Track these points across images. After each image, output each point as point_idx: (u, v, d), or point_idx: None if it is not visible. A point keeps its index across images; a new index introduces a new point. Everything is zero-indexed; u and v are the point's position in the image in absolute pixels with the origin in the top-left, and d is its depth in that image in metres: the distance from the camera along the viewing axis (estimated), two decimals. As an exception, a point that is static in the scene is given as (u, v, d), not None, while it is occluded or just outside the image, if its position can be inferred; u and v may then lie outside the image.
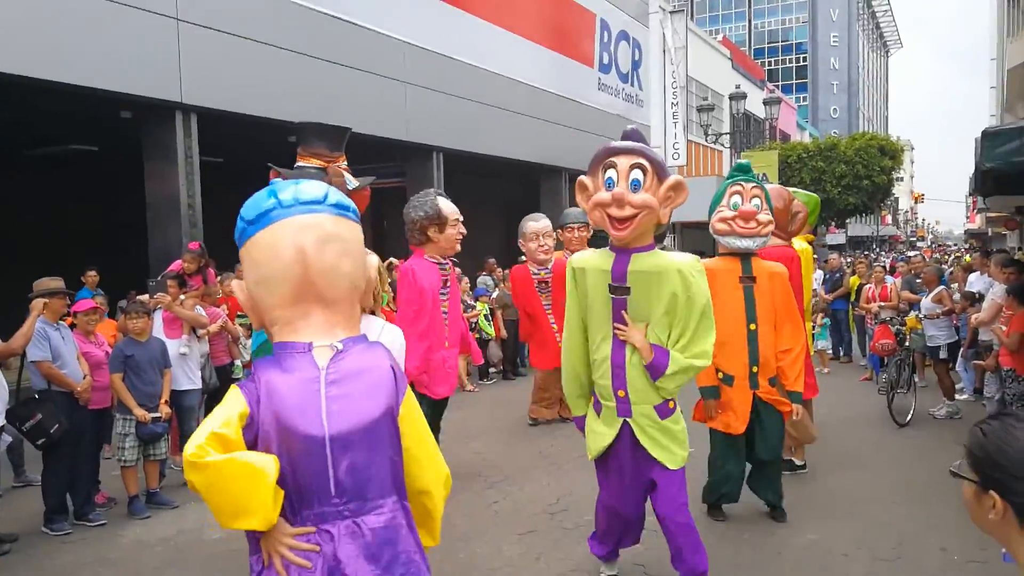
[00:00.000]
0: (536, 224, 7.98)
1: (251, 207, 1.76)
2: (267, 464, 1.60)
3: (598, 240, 5.97)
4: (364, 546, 1.70)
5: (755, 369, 4.51)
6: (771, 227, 4.68)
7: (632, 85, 20.50)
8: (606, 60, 18.88)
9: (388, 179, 14.20)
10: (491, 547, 4.64)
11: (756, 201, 4.59)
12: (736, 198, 4.61)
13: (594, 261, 3.54)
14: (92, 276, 8.80)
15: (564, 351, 3.74)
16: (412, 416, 1.84)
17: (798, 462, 5.97)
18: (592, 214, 3.43)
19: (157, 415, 5.48)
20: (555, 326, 7.68)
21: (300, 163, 3.86)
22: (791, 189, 6.95)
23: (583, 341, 3.65)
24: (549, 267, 7.95)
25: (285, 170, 3.77)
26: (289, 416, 1.67)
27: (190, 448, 1.60)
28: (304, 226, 1.75)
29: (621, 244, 3.41)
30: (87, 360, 5.43)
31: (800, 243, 6.24)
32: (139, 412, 5.38)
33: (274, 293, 1.71)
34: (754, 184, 4.67)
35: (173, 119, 8.66)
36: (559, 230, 8.13)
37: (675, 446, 3.52)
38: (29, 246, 11.60)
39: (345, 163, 4.04)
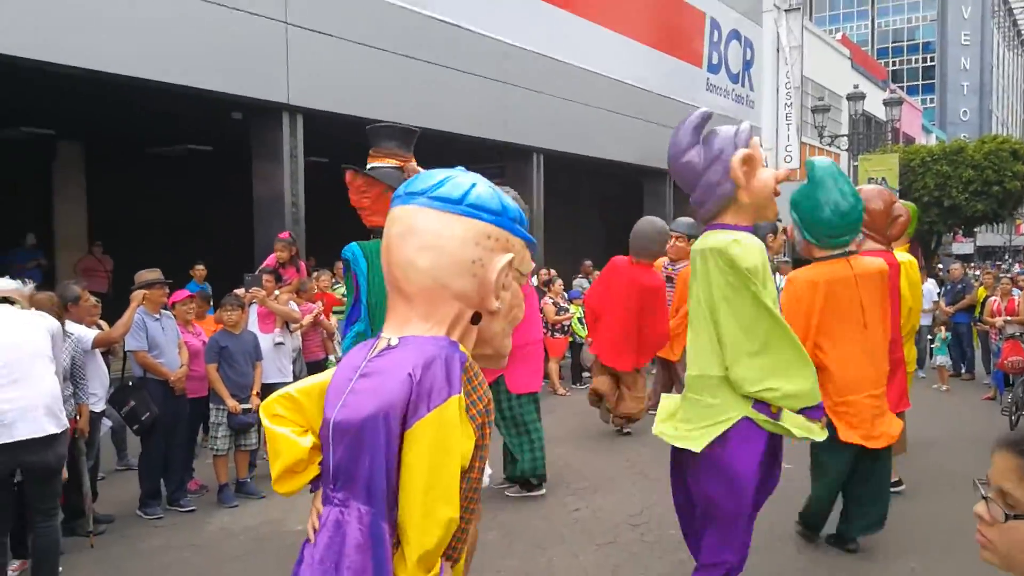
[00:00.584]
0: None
1: None
2: (303, 439, 1.76)
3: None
4: (328, 538, 1.67)
5: None
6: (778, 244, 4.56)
7: (743, 86, 19.90)
8: (715, 60, 18.38)
9: (488, 179, 14.28)
10: (568, 555, 4.54)
11: None
12: None
13: None
14: (200, 270, 9.17)
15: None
16: (422, 441, 1.60)
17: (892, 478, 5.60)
18: (768, 189, 3.45)
19: (248, 406, 5.64)
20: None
21: (374, 164, 3.85)
22: (905, 202, 6.62)
23: None
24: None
25: (361, 169, 3.80)
26: (326, 397, 1.74)
27: (267, 400, 1.83)
28: (395, 218, 1.78)
29: None
30: (187, 349, 5.64)
31: (904, 255, 5.95)
32: (231, 402, 5.55)
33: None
34: None
35: (280, 120, 8.93)
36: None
37: None
38: (146, 239, 12.23)
39: (415, 164, 4.06)
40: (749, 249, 3.27)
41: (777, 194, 3.46)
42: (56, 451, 3.88)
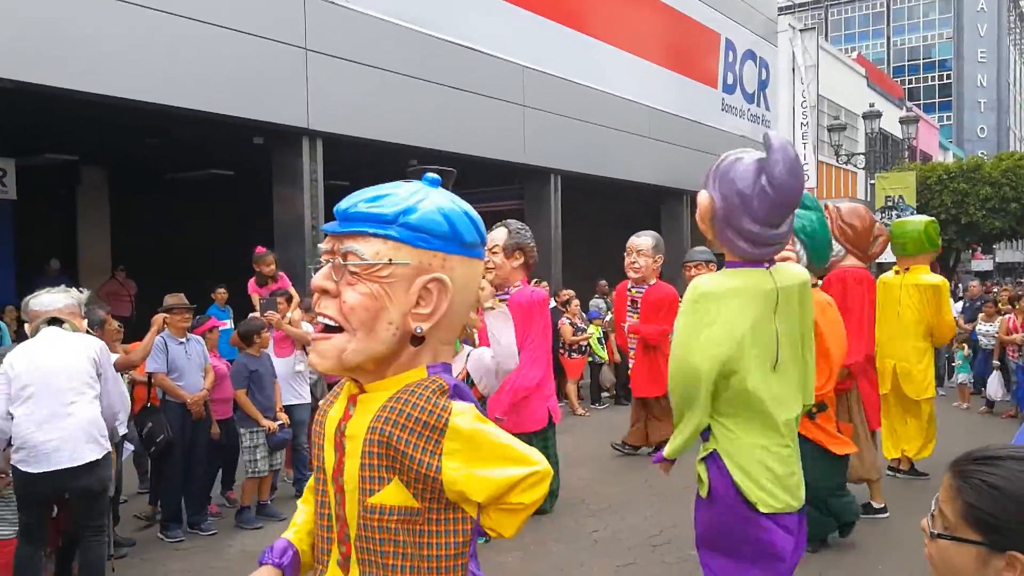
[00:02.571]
0: (634, 240, 7.77)
1: (481, 229, 1.60)
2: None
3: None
4: None
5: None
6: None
7: (758, 105, 19.94)
8: (731, 80, 18.45)
9: (506, 201, 14.38)
10: (588, 578, 4.54)
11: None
12: None
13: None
14: (221, 293, 9.27)
15: None
16: None
17: (876, 504, 5.59)
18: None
19: (279, 423, 5.73)
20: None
21: None
22: (920, 217, 6.76)
23: None
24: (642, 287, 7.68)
25: None
26: None
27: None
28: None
29: None
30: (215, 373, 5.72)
31: (933, 276, 6.14)
32: (266, 423, 5.63)
33: (462, 322, 1.68)
34: None
35: (300, 144, 9.05)
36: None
37: None
38: (169, 263, 12.38)
39: None
40: None
41: None
42: (98, 475, 3.98)
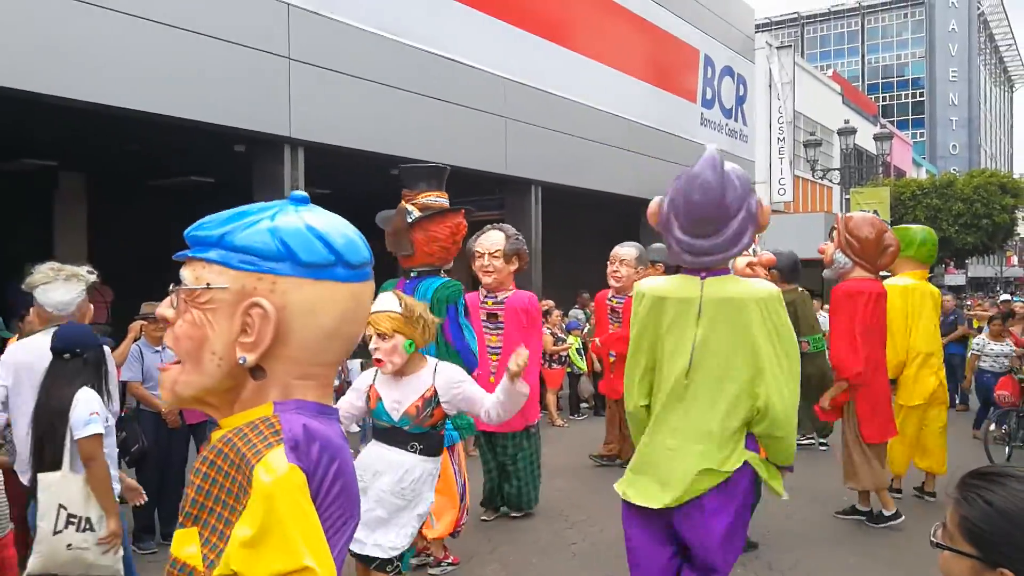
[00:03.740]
0: (618, 249, 7.80)
1: (352, 248, 1.41)
2: None
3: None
4: None
5: None
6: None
7: (736, 120, 20.18)
8: (709, 95, 18.67)
9: (487, 211, 14.42)
10: (569, 588, 4.56)
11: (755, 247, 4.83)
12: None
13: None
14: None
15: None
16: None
17: (887, 512, 5.67)
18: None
19: None
20: None
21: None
22: (909, 226, 6.78)
23: None
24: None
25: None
26: (355, 497, 1.38)
27: None
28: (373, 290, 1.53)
29: None
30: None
31: (922, 283, 6.21)
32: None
33: (338, 352, 1.42)
34: None
35: (282, 152, 9.04)
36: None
37: None
38: (148, 271, 12.28)
39: (431, 198, 4.47)
40: None
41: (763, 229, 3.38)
42: None
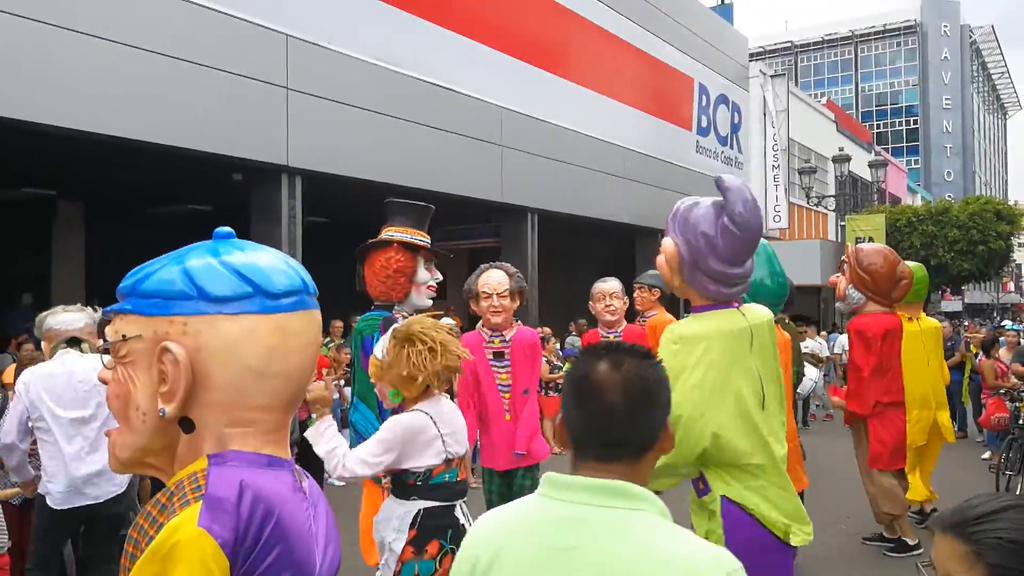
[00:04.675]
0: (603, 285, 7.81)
1: (272, 276, 1.29)
2: None
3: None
4: None
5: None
6: None
7: (731, 148, 20.35)
8: (704, 123, 18.84)
9: (484, 239, 14.49)
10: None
11: None
12: None
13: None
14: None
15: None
16: None
17: (910, 541, 5.64)
18: None
19: None
20: None
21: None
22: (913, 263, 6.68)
23: None
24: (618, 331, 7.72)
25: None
26: (303, 556, 1.23)
27: None
28: (319, 325, 1.40)
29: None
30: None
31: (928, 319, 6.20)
32: None
33: (275, 392, 1.28)
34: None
35: (279, 181, 9.10)
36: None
37: None
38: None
39: (390, 232, 4.65)
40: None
41: None
42: (126, 502, 4.02)
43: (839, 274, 5.79)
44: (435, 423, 3.05)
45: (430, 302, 4.62)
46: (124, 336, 1.25)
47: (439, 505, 3.03)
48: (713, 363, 2.88)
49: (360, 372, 4.42)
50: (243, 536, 1.13)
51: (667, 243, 3.03)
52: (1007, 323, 28.82)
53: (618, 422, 1.34)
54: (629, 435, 1.35)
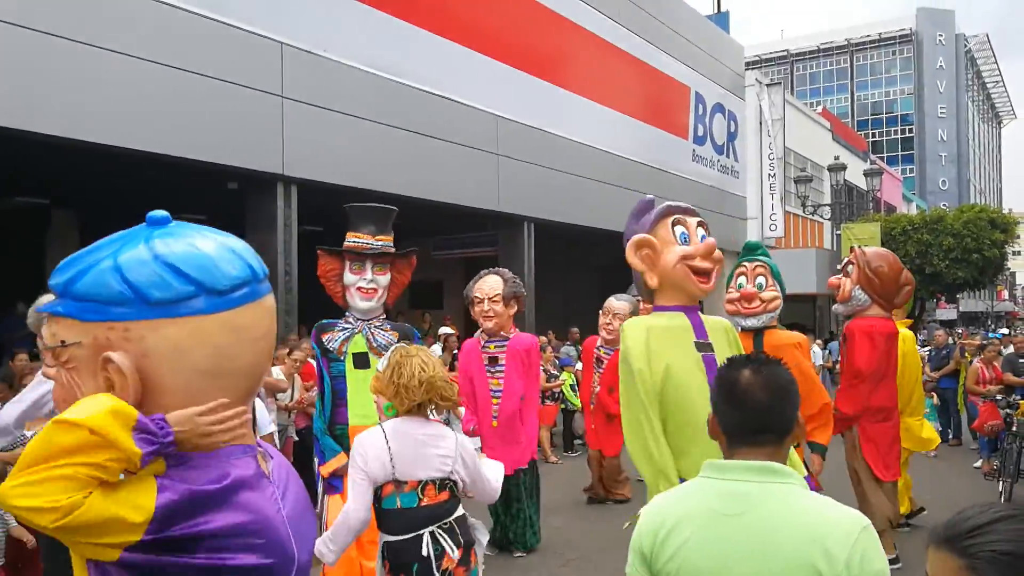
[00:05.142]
0: (613, 302, 7.89)
1: (214, 271, 1.24)
2: None
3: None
4: None
5: None
6: (778, 302, 4.76)
7: (727, 156, 20.37)
8: (701, 132, 18.86)
9: (480, 248, 14.47)
10: (563, 628, 4.49)
11: (760, 280, 4.74)
12: (741, 279, 4.81)
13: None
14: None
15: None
16: None
17: (888, 556, 5.61)
18: (675, 267, 3.35)
19: None
20: None
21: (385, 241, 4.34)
22: None
23: None
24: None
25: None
26: (270, 544, 1.24)
27: None
28: (272, 310, 1.37)
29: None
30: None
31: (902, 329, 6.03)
32: None
33: (230, 389, 1.26)
34: (757, 263, 4.82)
35: (275, 190, 9.07)
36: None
37: None
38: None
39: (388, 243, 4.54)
40: (625, 332, 3.31)
41: (695, 269, 3.41)
42: None
43: (841, 276, 5.75)
44: (387, 439, 2.94)
45: (365, 305, 4.34)
46: (63, 342, 1.20)
47: (399, 539, 2.90)
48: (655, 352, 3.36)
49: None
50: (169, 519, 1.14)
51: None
52: (1005, 330, 28.89)
53: (763, 415, 1.69)
54: (772, 425, 1.70)
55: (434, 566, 2.86)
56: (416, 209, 12.25)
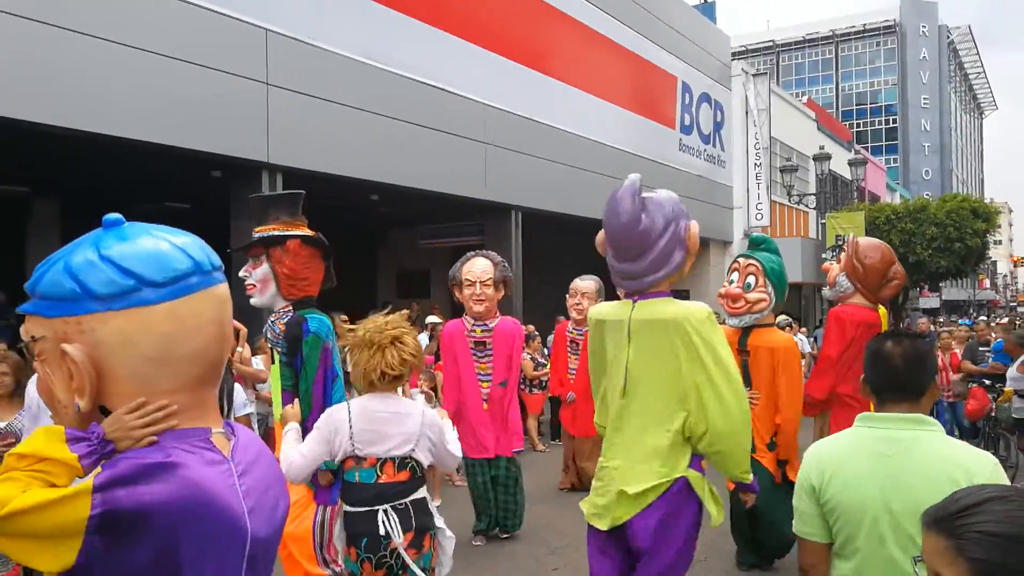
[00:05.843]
0: (579, 283, 7.87)
1: (156, 265, 1.33)
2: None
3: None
4: None
5: (774, 438, 4.49)
6: (763, 304, 4.77)
7: (714, 146, 20.40)
8: (687, 122, 18.87)
9: (468, 236, 14.43)
10: (552, 616, 4.49)
11: (749, 279, 4.76)
12: (733, 275, 4.85)
13: None
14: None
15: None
16: None
17: None
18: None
19: None
20: None
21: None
22: None
23: None
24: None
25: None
26: (218, 515, 1.30)
27: None
28: (224, 299, 1.43)
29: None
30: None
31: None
32: None
33: (180, 375, 1.35)
34: (750, 262, 4.87)
35: (259, 178, 8.98)
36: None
37: None
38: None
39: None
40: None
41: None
42: None
43: (832, 262, 5.77)
44: (350, 416, 3.04)
45: (253, 301, 4.08)
46: (33, 337, 1.34)
47: (356, 511, 2.98)
48: (589, 343, 3.57)
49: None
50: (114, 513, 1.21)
51: (599, 234, 3.40)
52: (983, 318, 29.11)
53: (899, 377, 2.16)
54: (907, 386, 2.15)
55: (382, 544, 2.93)
56: (403, 197, 12.21)
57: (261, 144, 8.86)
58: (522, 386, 9.95)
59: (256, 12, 8.76)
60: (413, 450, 3.03)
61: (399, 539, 2.92)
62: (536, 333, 10.77)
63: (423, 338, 10.89)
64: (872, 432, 2.13)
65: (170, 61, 7.91)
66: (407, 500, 2.99)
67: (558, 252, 16.70)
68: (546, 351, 10.84)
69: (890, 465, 2.04)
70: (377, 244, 19.25)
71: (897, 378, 2.14)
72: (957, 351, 9.70)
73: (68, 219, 13.01)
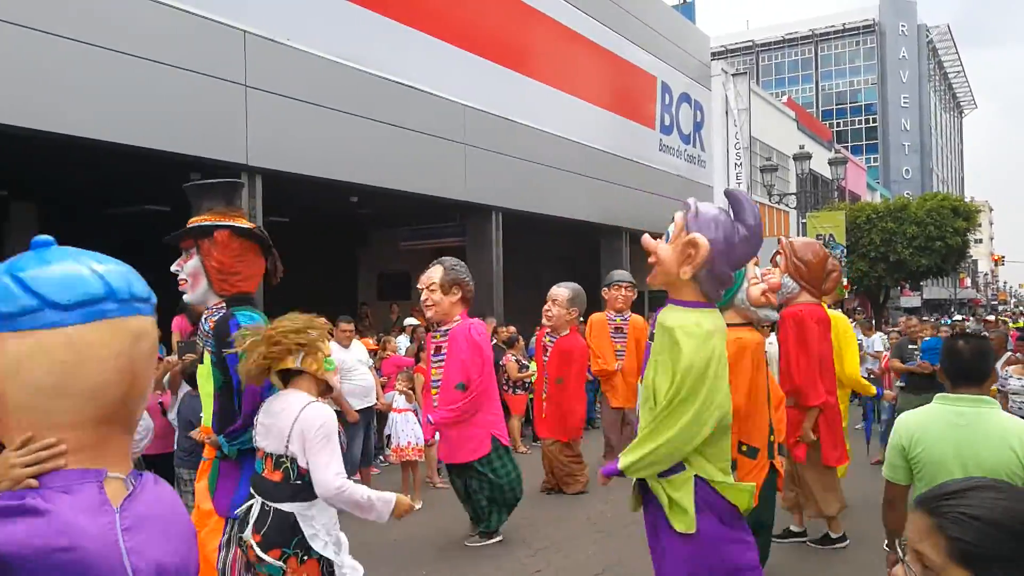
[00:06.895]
0: (554, 289, 8.04)
1: (64, 287, 1.24)
2: None
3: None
4: None
5: (772, 438, 4.38)
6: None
7: (694, 146, 20.50)
8: (667, 122, 18.95)
9: (448, 238, 14.43)
10: (531, 617, 4.50)
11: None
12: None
13: None
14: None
15: None
16: None
17: (834, 535, 5.71)
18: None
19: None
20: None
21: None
22: None
23: None
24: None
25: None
26: (82, 567, 1.18)
27: None
28: (140, 333, 1.30)
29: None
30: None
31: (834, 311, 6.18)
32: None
33: (78, 410, 1.24)
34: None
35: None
36: (604, 288, 8.46)
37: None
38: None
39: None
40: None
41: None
42: None
43: (770, 267, 5.80)
44: (264, 408, 3.21)
45: (187, 297, 3.82)
46: None
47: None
48: (721, 355, 3.19)
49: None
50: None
51: (703, 240, 3.11)
52: (958, 317, 29.36)
53: (966, 366, 2.90)
54: (972, 374, 2.89)
55: (239, 533, 3.08)
56: (383, 199, 12.18)
57: (240, 146, 8.83)
58: (505, 387, 9.97)
59: (234, 13, 8.72)
60: (287, 448, 2.99)
61: (248, 534, 3.00)
62: (518, 336, 10.77)
63: (402, 340, 10.87)
64: (948, 408, 2.86)
65: (148, 63, 7.86)
66: (273, 507, 2.98)
67: (538, 252, 16.73)
68: (528, 353, 10.86)
69: (961, 432, 2.77)
70: (357, 246, 19.19)
71: (966, 368, 2.87)
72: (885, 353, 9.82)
73: (46, 222, 12.89)
